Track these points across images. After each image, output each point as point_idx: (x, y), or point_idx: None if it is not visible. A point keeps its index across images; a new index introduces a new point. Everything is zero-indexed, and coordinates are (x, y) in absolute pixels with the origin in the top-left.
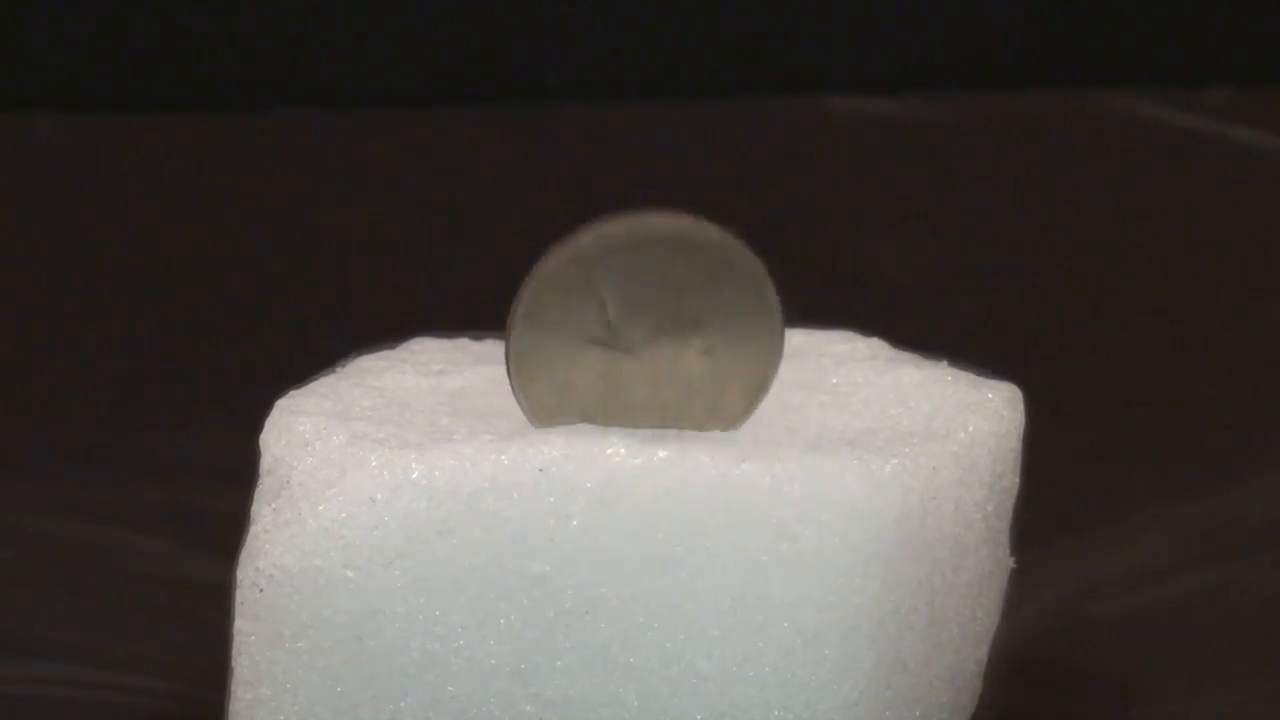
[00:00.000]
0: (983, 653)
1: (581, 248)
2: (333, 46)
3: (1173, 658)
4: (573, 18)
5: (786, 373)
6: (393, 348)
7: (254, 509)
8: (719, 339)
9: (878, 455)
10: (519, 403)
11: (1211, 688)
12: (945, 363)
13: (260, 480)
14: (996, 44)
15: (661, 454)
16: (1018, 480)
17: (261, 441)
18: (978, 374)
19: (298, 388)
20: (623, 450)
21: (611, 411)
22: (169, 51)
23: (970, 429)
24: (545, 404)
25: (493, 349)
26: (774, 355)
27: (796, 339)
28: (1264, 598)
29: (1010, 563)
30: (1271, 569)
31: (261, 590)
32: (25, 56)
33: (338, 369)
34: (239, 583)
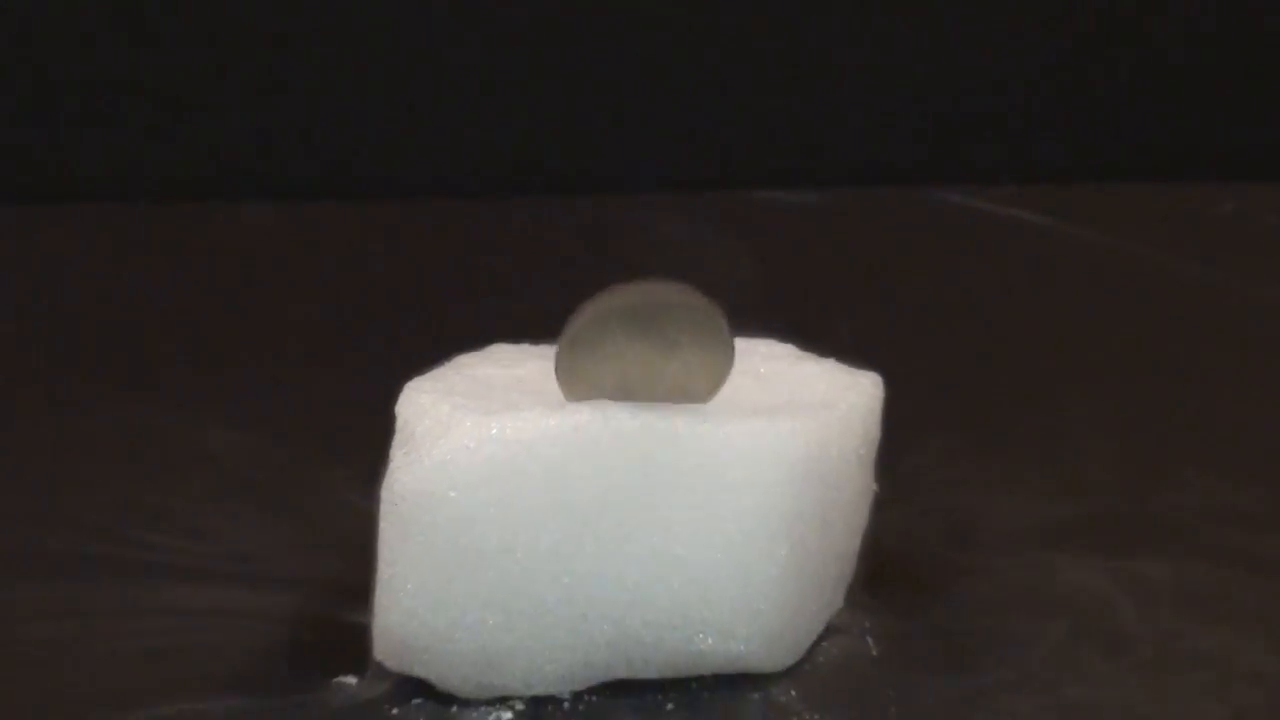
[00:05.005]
0: (857, 542)
1: (605, 301)
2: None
3: (991, 536)
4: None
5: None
6: (481, 350)
7: (391, 453)
8: (691, 356)
9: (790, 418)
10: (562, 391)
11: (1009, 554)
12: (833, 360)
13: (396, 435)
14: (861, 151)
15: (652, 418)
16: (879, 433)
17: (397, 410)
18: (853, 367)
19: (420, 376)
20: (628, 416)
21: (622, 398)
22: (354, 145)
23: (849, 401)
24: (580, 395)
25: (544, 350)
26: (727, 364)
27: (739, 344)
28: (1045, 492)
29: (874, 486)
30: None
31: (396, 506)
32: (236, 150)
33: (445, 364)
34: (382, 501)
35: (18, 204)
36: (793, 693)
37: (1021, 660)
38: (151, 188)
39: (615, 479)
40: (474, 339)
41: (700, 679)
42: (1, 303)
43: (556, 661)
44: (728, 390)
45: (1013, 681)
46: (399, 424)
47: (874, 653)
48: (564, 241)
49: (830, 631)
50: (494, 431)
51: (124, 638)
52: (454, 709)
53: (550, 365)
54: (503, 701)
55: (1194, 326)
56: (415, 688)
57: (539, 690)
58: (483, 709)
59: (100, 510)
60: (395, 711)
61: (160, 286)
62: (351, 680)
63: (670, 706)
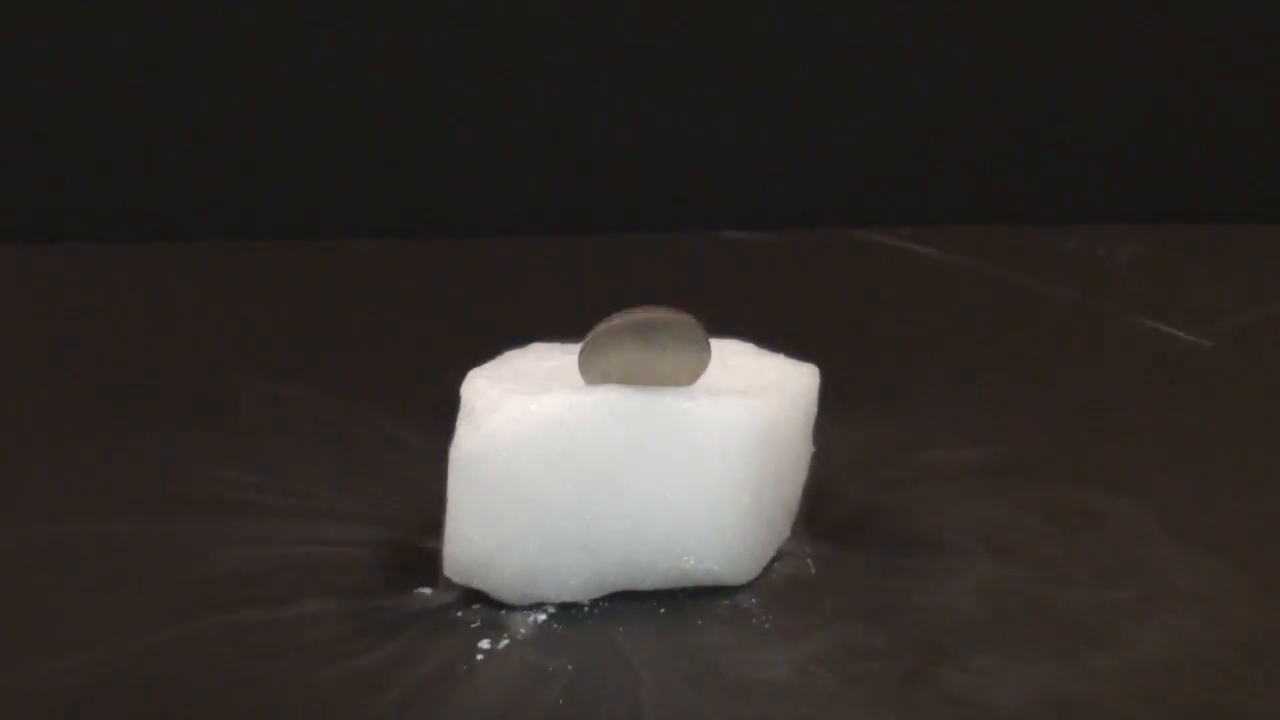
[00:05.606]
0: (800, 490)
1: (613, 321)
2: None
3: (902, 484)
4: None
5: None
6: (524, 348)
7: (457, 423)
8: (678, 358)
9: (750, 397)
10: (583, 379)
11: (926, 506)
12: (782, 355)
13: (460, 410)
14: (802, 201)
15: (649, 398)
16: (816, 409)
17: (461, 392)
18: (798, 359)
19: (478, 366)
20: (631, 396)
21: (626, 384)
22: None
23: (794, 384)
24: (595, 381)
25: (570, 348)
26: (705, 363)
27: (713, 343)
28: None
29: (812, 448)
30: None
31: (460, 462)
32: (350, 191)
33: (497, 358)
34: (450, 459)
35: (193, 240)
36: (753, 600)
37: (934, 573)
38: (285, 229)
39: (622, 443)
40: (518, 339)
41: (685, 590)
42: (170, 319)
43: (579, 577)
44: (702, 376)
45: (928, 590)
46: (463, 402)
47: (813, 571)
48: (578, 270)
49: (780, 555)
50: (533, 408)
51: (243, 560)
52: (503, 612)
53: (575, 359)
54: (539, 606)
55: (1053, 330)
56: (475, 596)
57: (566, 598)
58: (524, 612)
59: (227, 464)
60: (460, 614)
61: (292, 300)
62: (427, 591)
63: (663, 611)
